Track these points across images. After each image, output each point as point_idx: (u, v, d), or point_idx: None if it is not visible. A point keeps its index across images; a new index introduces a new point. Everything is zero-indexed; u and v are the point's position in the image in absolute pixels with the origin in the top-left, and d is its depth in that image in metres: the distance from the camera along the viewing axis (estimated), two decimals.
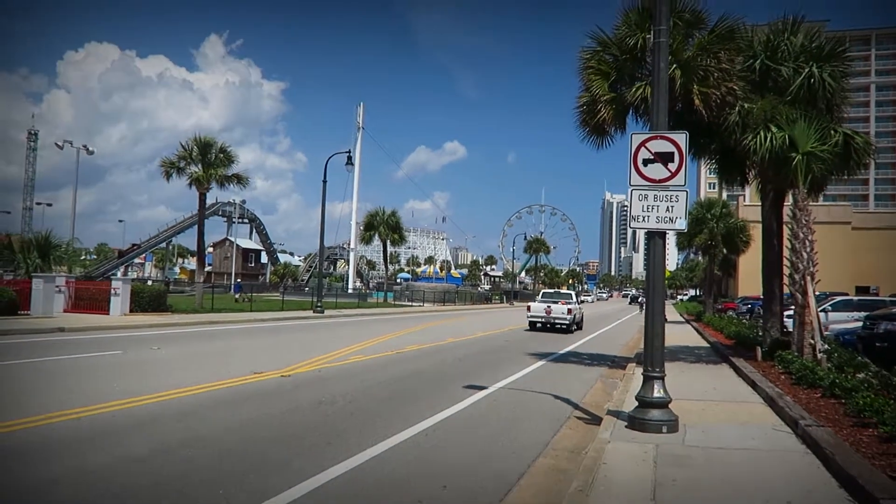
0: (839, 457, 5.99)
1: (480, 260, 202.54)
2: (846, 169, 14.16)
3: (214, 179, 29.24)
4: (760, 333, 18.02)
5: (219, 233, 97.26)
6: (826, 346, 12.47)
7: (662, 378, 7.71)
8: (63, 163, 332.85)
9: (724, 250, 42.89)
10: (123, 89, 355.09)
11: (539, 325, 27.66)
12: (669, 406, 7.67)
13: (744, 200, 70.38)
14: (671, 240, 57.45)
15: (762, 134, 13.45)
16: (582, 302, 37.09)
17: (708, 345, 21.09)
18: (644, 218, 7.89)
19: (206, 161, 29.24)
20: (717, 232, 40.43)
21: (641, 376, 7.91)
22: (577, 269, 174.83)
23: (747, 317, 34.00)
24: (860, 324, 17.59)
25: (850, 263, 49.04)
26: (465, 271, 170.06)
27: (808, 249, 13.37)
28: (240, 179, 29.94)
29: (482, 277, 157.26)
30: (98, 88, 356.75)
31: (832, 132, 13.96)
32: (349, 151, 34.91)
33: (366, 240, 55.72)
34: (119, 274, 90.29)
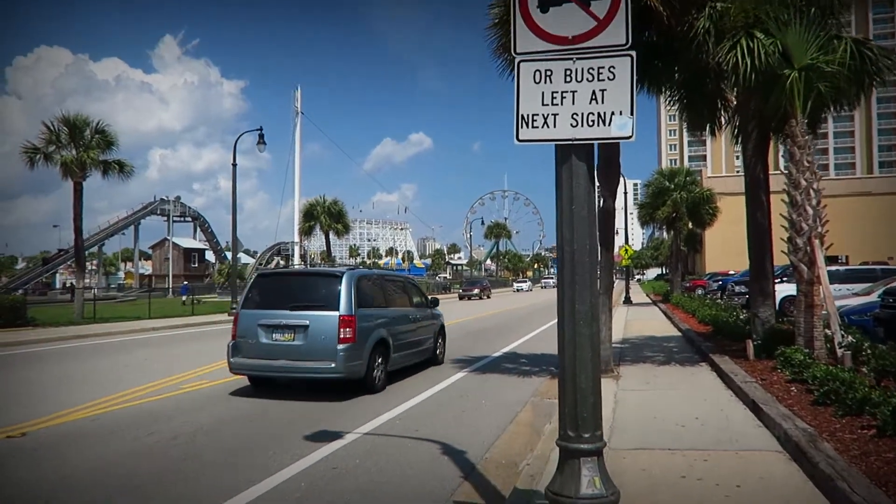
0: None
1: (445, 249, 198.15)
2: (860, 88, 10.31)
3: (92, 165, 24.51)
4: (744, 318, 14.30)
5: (160, 233, 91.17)
6: (850, 339, 8.66)
7: (600, 452, 3.68)
8: (18, 170, 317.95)
9: (690, 224, 39.51)
10: (79, 94, 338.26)
11: None
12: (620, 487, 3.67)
13: (707, 172, 67.57)
14: (632, 216, 53.94)
15: (744, 42, 9.55)
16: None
17: (679, 333, 17.31)
18: (547, 118, 3.78)
19: (82, 144, 24.47)
20: (681, 203, 36.86)
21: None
22: (543, 252, 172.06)
23: (719, 295, 30.57)
24: (868, 299, 13.96)
25: None
26: (429, 261, 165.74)
27: (815, 203, 9.57)
28: (122, 166, 25.19)
29: (445, 266, 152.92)
30: (51, 94, 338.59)
31: (836, 40, 10.13)
32: (260, 129, 30.32)
33: (305, 231, 51.02)
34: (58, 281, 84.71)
